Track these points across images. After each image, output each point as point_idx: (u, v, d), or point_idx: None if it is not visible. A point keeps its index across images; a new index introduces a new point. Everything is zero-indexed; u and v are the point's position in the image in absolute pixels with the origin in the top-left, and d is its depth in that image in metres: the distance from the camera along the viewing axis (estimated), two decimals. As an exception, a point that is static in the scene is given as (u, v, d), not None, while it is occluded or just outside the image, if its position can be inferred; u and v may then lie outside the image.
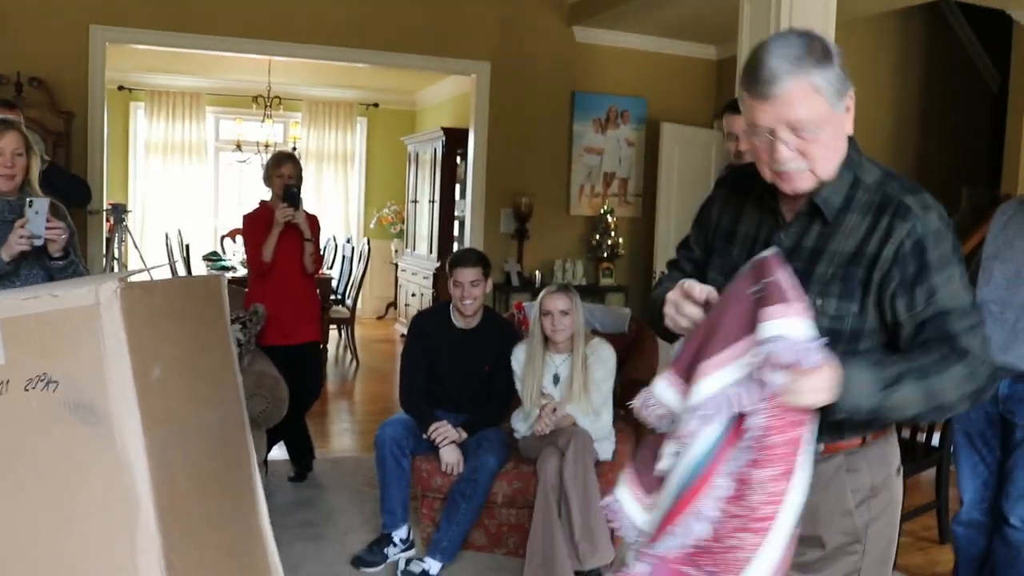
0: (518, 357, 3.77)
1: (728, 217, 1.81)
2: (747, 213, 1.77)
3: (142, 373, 1.77)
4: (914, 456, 3.94)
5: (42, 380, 1.75)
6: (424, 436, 3.68)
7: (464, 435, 3.69)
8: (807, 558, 1.68)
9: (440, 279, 8.35)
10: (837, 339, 1.58)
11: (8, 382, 1.76)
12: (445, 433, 3.66)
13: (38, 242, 2.84)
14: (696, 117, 7.58)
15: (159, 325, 1.89)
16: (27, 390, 1.75)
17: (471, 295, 3.73)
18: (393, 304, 10.86)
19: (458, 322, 3.83)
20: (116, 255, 7.11)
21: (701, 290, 1.61)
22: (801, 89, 1.53)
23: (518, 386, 3.77)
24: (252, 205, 4.73)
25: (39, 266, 2.96)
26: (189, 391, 2.02)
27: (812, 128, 1.55)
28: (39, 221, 2.82)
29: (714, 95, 7.69)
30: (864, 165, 1.66)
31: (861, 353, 1.59)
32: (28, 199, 2.87)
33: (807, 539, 1.65)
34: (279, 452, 4.74)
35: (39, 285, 2.69)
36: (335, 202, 11.13)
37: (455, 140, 8.63)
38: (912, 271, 1.58)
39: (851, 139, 1.66)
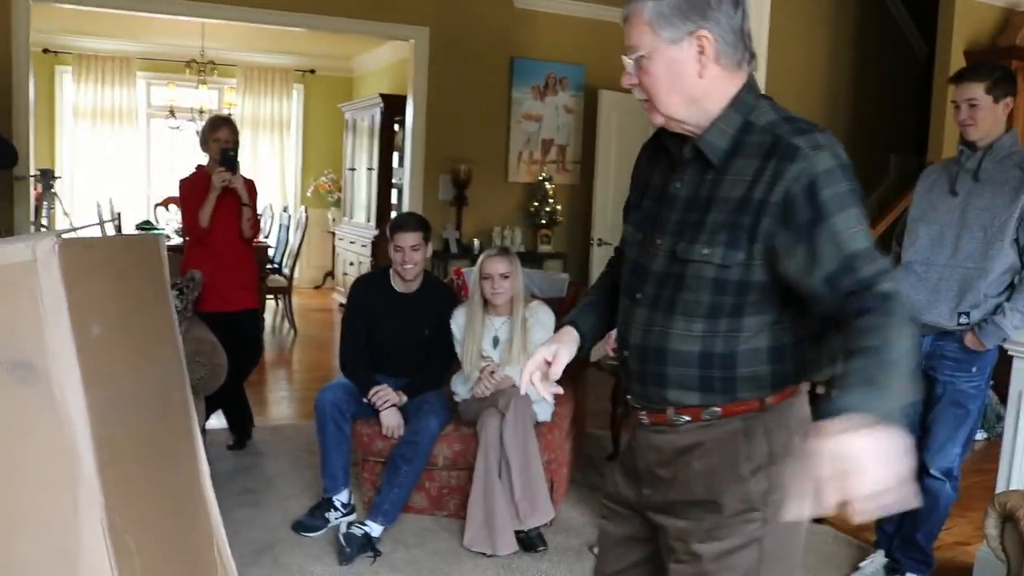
0: (458, 321, 3.79)
1: (647, 172, 1.79)
2: (660, 164, 1.75)
3: (81, 331, 1.74)
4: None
5: None
6: (365, 400, 3.69)
7: (404, 398, 3.71)
8: (706, 524, 1.65)
9: (379, 247, 8.32)
10: (723, 290, 1.57)
11: None
12: (386, 397, 3.67)
13: None
14: (634, 85, 7.62)
15: (98, 282, 1.86)
16: None
17: (412, 260, 3.74)
18: (331, 273, 10.80)
19: (398, 287, 3.84)
20: (44, 222, 6.95)
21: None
22: (635, 16, 1.57)
23: (458, 349, 3.79)
24: (187, 172, 4.65)
25: None
26: (129, 350, 2.00)
27: (643, 59, 1.57)
28: None
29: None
30: (760, 108, 1.59)
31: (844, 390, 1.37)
32: None
33: (705, 504, 1.65)
34: (217, 421, 4.71)
35: None
36: (271, 170, 10.98)
37: (393, 107, 8.57)
38: (807, 217, 1.49)
39: (750, 82, 1.62)
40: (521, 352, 3.67)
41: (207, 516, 2.39)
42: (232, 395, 4.53)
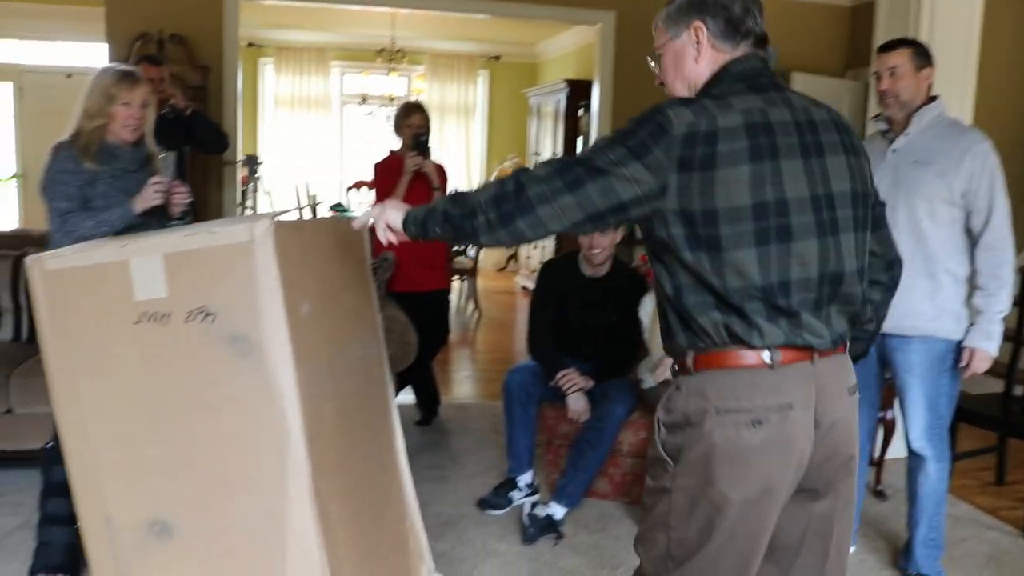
0: (646, 308, 3.74)
1: None
2: None
3: (292, 308, 1.82)
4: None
5: (201, 313, 1.82)
6: (551, 383, 3.71)
7: (591, 383, 3.70)
8: (648, 456, 1.88)
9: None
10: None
11: (170, 314, 1.84)
12: (573, 380, 3.67)
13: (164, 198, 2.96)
14: (827, 67, 7.31)
15: (307, 263, 1.95)
16: (187, 322, 1.84)
17: (599, 244, 3.71)
18: (514, 256, 10.93)
19: (587, 271, 3.83)
20: (249, 204, 7.36)
21: None
22: (655, 23, 1.89)
23: (645, 337, 3.75)
24: (377, 157, 4.81)
25: (157, 226, 3.01)
26: (335, 327, 2.08)
27: (659, 56, 1.89)
28: (167, 175, 2.96)
29: (847, 43, 7.39)
30: (716, 87, 1.79)
31: None
32: (163, 153, 2.98)
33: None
34: (404, 397, 4.86)
35: (199, 223, 2.79)
36: (457, 155, 11.22)
37: (578, 92, 8.56)
38: None
39: (732, 61, 1.81)
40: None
41: (401, 488, 2.46)
42: (420, 373, 4.66)
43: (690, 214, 1.67)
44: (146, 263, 1.85)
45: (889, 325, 3.03)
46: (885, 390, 3.44)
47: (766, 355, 1.70)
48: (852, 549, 3.44)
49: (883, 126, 3.11)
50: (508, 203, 1.69)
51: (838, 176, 1.76)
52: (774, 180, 1.68)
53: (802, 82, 7.04)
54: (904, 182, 3.00)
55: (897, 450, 3.84)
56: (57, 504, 2.95)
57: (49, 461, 2.97)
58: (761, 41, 1.83)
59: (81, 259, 1.92)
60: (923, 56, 2.99)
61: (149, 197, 2.92)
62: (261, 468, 1.85)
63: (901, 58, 2.98)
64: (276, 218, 1.84)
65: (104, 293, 1.89)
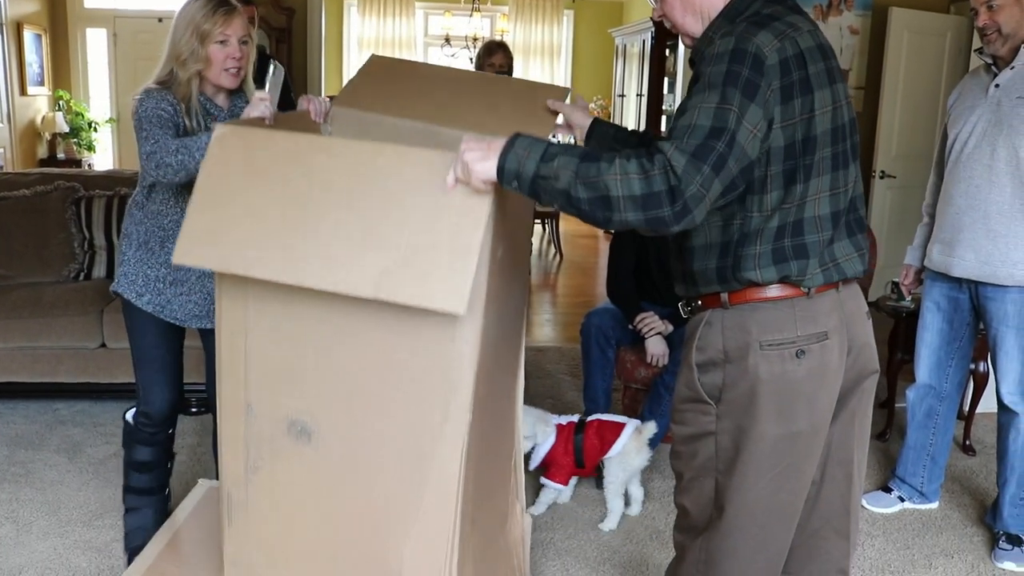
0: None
1: None
2: None
3: (494, 251, 1.70)
4: None
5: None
6: (630, 326, 3.67)
7: (670, 327, 3.65)
8: (674, 406, 1.83)
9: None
10: None
11: None
12: (651, 324, 3.63)
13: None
14: (930, 1, 6.98)
15: (506, 204, 1.80)
16: None
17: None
18: (596, 201, 10.84)
19: (667, 214, 3.76)
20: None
21: None
22: None
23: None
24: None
25: None
26: (510, 272, 1.98)
27: None
28: (275, 95, 2.45)
29: (952, -24, 7.03)
30: (748, 10, 1.66)
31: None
32: (273, 64, 2.51)
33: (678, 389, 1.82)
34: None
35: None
36: (540, 97, 11.11)
37: (665, 32, 8.34)
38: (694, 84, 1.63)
39: (731, 8, 1.68)
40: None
41: (514, 428, 2.43)
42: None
43: (791, 146, 1.60)
44: None
45: (984, 273, 2.91)
46: (978, 341, 3.31)
47: (804, 285, 1.68)
48: (935, 505, 3.36)
49: (988, 59, 2.95)
50: (661, 208, 1.46)
51: (850, 102, 1.77)
52: (844, 103, 1.69)
53: (902, 18, 6.74)
54: (1007, 119, 2.85)
55: (988, 404, 3.71)
56: (139, 479, 2.87)
57: (127, 437, 2.86)
58: None
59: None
60: None
61: (256, 109, 2.27)
62: (422, 400, 1.75)
63: None
64: None
65: None
